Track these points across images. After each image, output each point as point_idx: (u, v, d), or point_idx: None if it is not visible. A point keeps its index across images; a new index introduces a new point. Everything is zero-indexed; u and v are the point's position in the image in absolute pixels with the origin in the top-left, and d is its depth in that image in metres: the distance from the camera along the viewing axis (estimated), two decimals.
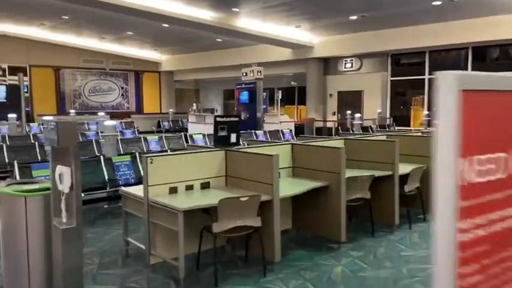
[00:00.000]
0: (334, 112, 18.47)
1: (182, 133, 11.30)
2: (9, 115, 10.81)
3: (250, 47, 19.29)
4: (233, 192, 4.20)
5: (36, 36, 20.40)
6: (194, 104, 20.91)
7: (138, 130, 17.66)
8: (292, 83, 20.90)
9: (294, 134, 13.56)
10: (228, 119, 4.94)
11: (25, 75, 20.93)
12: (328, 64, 18.14)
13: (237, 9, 13.85)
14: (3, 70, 20.40)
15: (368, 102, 17.26)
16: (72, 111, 19.09)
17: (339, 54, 17.33)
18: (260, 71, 17.02)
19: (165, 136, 10.72)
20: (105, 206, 7.04)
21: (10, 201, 3.32)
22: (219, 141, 4.86)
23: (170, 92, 25.85)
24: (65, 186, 3.11)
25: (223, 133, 4.84)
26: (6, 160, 8.12)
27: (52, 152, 3.40)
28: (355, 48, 16.32)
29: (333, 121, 17.29)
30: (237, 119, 5.11)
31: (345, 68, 17.86)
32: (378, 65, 16.93)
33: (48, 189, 3.32)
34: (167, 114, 21.82)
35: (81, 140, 10.66)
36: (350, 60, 17.61)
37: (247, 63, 18.29)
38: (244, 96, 17.66)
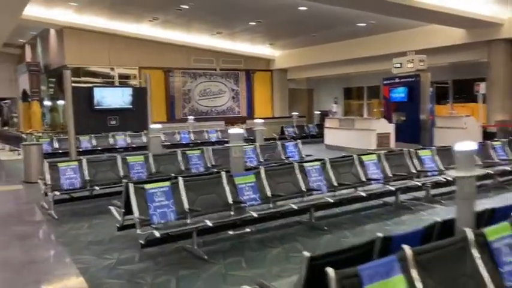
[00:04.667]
0: None
1: None
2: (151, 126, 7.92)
3: (400, 32, 15.39)
4: None
5: (146, 34, 18.58)
6: (334, 105, 17.45)
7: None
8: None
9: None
10: None
11: (134, 78, 19.29)
12: None
13: None
14: (107, 74, 18.83)
15: None
16: (191, 117, 16.73)
17: None
18: (423, 60, 13.04)
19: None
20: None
21: None
22: None
23: (283, 93, 22.77)
24: None
25: None
26: None
27: None
28: None
29: None
30: None
31: None
32: None
33: None
34: (287, 119, 18.64)
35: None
36: None
37: (393, 52, 14.44)
38: (399, 93, 13.75)
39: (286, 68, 22.17)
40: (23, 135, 15.56)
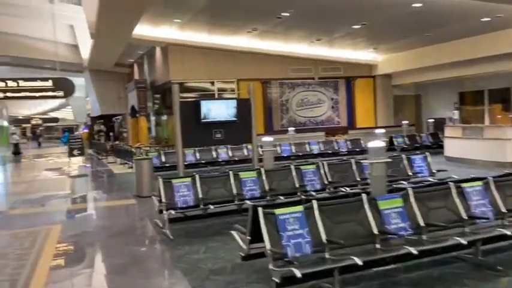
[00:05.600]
0: None
1: None
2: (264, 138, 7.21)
3: None
4: None
5: (243, 46, 18.52)
6: (455, 112, 15.57)
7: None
8: None
9: None
10: None
11: (232, 91, 19.31)
12: None
13: None
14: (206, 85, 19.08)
15: None
16: (291, 129, 16.10)
17: None
18: None
19: None
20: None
21: None
22: None
23: (387, 100, 21.07)
24: None
25: None
26: None
27: None
28: None
29: None
30: None
31: None
32: None
33: None
34: (393, 128, 17.04)
35: None
36: None
37: None
38: None
39: (391, 73, 20.49)
40: (133, 149, 16.31)
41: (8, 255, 5.52)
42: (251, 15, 14.62)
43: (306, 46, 19.01)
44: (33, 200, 10.54)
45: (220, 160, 14.03)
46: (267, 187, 6.92)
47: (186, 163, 12.41)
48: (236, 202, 6.65)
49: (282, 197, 6.77)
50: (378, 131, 8.48)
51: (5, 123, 46.56)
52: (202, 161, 13.77)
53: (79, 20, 18.87)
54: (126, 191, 10.79)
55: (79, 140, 16.28)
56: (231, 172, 6.89)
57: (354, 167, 7.63)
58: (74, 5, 16.95)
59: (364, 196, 4.29)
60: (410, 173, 7.75)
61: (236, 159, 14.20)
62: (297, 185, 7.13)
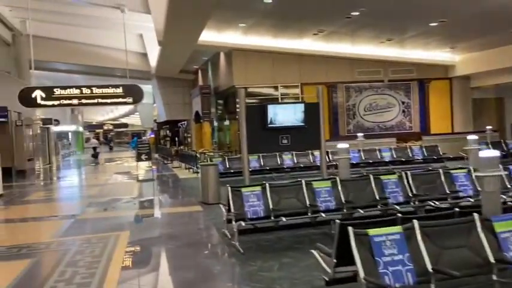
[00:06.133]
0: None
1: None
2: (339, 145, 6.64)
3: None
4: None
5: (308, 49, 17.97)
6: None
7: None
8: None
9: None
10: None
11: (296, 95, 18.78)
12: None
13: None
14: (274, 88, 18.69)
15: None
16: (360, 134, 15.24)
17: None
18: None
19: None
20: None
21: None
22: None
23: (465, 104, 19.37)
24: None
25: None
26: None
27: None
28: None
29: None
30: None
31: None
32: None
33: None
34: (475, 134, 15.43)
35: None
36: None
37: None
38: None
39: (469, 74, 18.81)
40: (197, 155, 16.36)
41: (79, 262, 5.44)
42: (319, 16, 14.07)
43: (374, 47, 18.03)
44: (104, 203, 10.78)
45: (285, 167, 13.56)
46: (343, 198, 6.30)
47: (250, 169, 12.10)
48: (310, 214, 6.11)
49: (361, 210, 6.13)
50: (470, 137, 7.45)
51: (80, 129, 49.89)
52: (267, 168, 13.38)
53: (147, 29, 19.47)
54: (191, 196, 10.67)
55: (147, 145, 16.66)
56: (303, 181, 6.37)
57: (443, 177, 6.75)
58: (143, 14, 17.44)
59: (475, 216, 3.56)
60: (509, 186, 6.71)
61: (301, 165, 13.65)
62: (377, 197, 6.43)
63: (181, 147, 25.31)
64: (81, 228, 7.89)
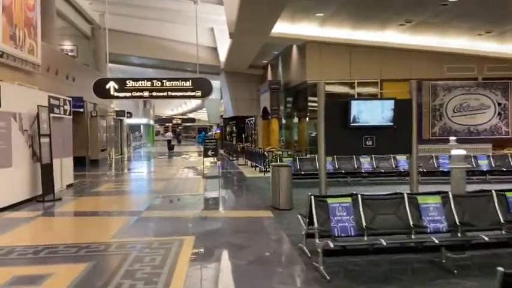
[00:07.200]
0: None
1: None
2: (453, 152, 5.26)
3: None
4: None
5: (390, 42, 16.34)
6: None
7: None
8: None
9: None
10: None
11: (374, 95, 17.21)
12: None
13: None
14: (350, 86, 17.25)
15: None
16: (452, 138, 13.40)
17: None
18: None
19: None
20: None
21: None
22: None
23: None
24: None
25: None
26: None
27: None
28: None
29: None
30: None
31: None
32: None
33: None
34: None
35: None
36: None
37: None
38: None
39: None
40: (265, 153, 15.50)
41: (136, 273, 4.72)
42: (408, 4, 12.49)
43: (468, 40, 15.95)
44: (169, 200, 10.28)
45: (362, 171, 12.24)
46: (457, 219, 4.99)
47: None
48: (413, 236, 4.88)
49: (483, 236, 4.77)
50: None
51: (151, 122, 51.66)
52: (342, 171, 12.15)
53: (218, 22, 18.96)
54: (260, 199, 9.79)
55: (214, 141, 16.20)
56: (405, 194, 5.14)
57: None
58: (216, 5, 16.92)
59: None
60: None
61: (382, 170, 12.23)
62: (502, 219, 5.03)
63: (247, 144, 24.69)
64: (143, 228, 7.32)
